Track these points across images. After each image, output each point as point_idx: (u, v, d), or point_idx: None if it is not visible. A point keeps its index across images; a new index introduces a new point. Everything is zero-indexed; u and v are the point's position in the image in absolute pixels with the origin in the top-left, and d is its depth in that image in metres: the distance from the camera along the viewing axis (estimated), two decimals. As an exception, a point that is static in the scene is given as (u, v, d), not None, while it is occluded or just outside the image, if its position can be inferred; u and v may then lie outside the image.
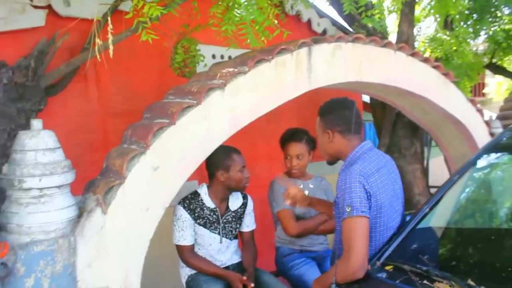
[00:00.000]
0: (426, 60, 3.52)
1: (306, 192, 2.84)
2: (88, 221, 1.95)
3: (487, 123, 4.24)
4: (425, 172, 5.16)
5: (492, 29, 5.40)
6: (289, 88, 2.62)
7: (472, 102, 4.04)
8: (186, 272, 2.51)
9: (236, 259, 2.63)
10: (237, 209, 2.62)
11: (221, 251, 2.56)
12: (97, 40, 2.23)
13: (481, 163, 1.95)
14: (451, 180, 1.90)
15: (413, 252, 1.76)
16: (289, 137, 2.90)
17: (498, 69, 7.39)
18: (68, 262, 1.89)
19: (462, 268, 1.54)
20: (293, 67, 2.62)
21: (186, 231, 2.43)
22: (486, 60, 7.13)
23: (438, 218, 1.85)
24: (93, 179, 2.18)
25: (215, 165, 2.50)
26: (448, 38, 4.44)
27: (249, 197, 2.71)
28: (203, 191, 2.53)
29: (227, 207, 2.58)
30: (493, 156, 1.97)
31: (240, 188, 2.54)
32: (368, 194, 1.77)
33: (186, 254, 2.45)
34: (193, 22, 3.00)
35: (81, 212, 2.01)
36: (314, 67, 2.73)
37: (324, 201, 2.64)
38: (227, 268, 2.56)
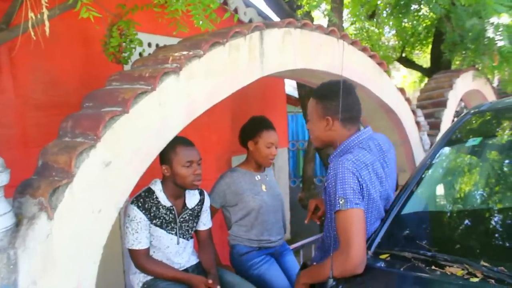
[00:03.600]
0: (364, 49, 3.57)
1: (264, 187, 2.69)
2: (31, 230, 1.62)
3: (413, 112, 4.43)
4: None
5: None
6: (243, 74, 2.46)
7: (401, 91, 4.19)
8: (140, 278, 2.24)
9: (194, 260, 2.41)
10: (195, 207, 2.40)
11: (178, 253, 2.32)
12: (31, 14, 1.87)
13: (450, 145, 1.96)
14: (424, 164, 1.89)
15: (405, 238, 1.70)
16: (265, 124, 2.69)
17: (408, 63, 7.84)
18: (8, 281, 1.56)
19: (467, 250, 1.51)
20: (246, 52, 2.47)
21: (141, 233, 2.17)
22: (396, 55, 7.54)
23: (419, 203, 1.83)
24: (27, 179, 1.84)
25: (160, 158, 2.25)
26: (376, 29, 4.57)
27: (205, 193, 2.50)
28: (158, 188, 2.27)
29: (184, 204, 2.34)
30: (462, 137, 2.00)
31: (187, 186, 2.26)
32: (361, 186, 1.67)
33: (142, 259, 2.18)
34: (129, 2, 2.71)
35: (19, 220, 1.68)
36: (266, 53, 2.60)
37: None
38: (186, 271, 2.33)
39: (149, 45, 3.96)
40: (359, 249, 1.51)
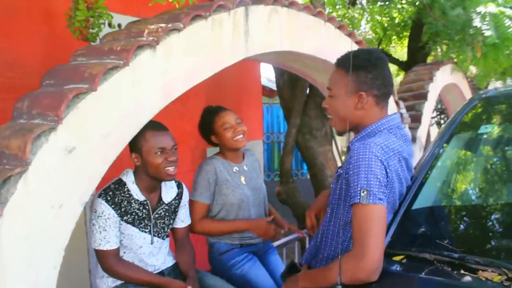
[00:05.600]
0: (350, 35, 3.37)
1: (243, 179, 2.45)
2: (-26, 229, 1.33)
3: (397, 103, 4.29)
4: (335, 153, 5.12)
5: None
6: (226, 53, 2.21)
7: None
8: (108, 283, 1.96)
9: (170, 261, 2.14)
10: (172, 201, 2.12)
11: (153, 254, 2.05)
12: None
13: (459, 133, 1.78)
14: (433, 154, 1.69)
15: (422, 237, 1.50)
16: (214, 111, 2.46)
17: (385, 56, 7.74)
18: None
19: (503, 251, 1.32)
20: (230, 29, 2.22)
21: (109, 231, 1.89)
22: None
23: (432, 196, 1.63)
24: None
25: (130, 146, 1.95)
26: (358, 16, 4.40)
27: (184, 186, 2.23)
28: (130, 179, 1.98)
29: (160, 198, 2.07)
30: (471, 124, 1.82)
31: (161, 176, 1.96)
32: (388, 177, 1.41)
33: (111, 260, 1.90)
34: (97, -29, 2.40)
35: (-40, 216, 1.38)
36: (251, 31, 2.35)
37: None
38: (161, 274, 2.06)
39: (119, 26, 3.64)
40: (377, 253, 1.28)
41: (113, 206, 1.89)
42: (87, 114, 1.60)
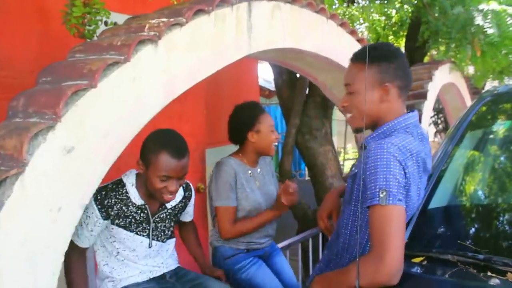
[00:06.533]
0: (352, 33, 3.31)
1: (257, 184, 2.35)
2: (-33, 234, 1.25)
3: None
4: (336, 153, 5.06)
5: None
6: (229, 49, 2.14)
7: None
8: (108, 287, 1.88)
9: (172, 264, 2.06)
10: (176, 205, 2.02)
11: (149, 257, 1.95)
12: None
13: (473, 129, 1.72)
14: (446, 151, 1.63)
15: (441, 238, 1.43)
16: (259, 108, 2.36)
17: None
18: None
19: None
20: (233, 24, 2.15)
21: (84, 229, 1.79)
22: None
23: (449, 195, 1.56)
24: (-34, 170, 1.45)
25: (141, 150, 1.86)
26: (358, 14, 4.35)
27: (192, 187, 2.12)
28: (130, 181, 1.89)
29: (161, 203, 1.96)
30: (485, 120, 1.76)
31: (156, 197, 1.87)
32: (406, 178, 1.35)
33: (72, 257, 1.78)
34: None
35: (-48, 221, 1.30)
36: (254, 27, 2.28)
37: None
38: (162, 277, 1.96)
39: (115, 25, 3.55)
40: (397, 255, 1.21)
41: (99, 206, 1.79)
42: (86, 112, 1.52)
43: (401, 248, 1.22)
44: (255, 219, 2.24)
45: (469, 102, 6.88)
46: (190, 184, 2.12)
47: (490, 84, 8.25)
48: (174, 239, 2.09)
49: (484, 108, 1.79)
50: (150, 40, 1.73)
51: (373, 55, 1.47)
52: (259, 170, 2.40)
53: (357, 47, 3.37)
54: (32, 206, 1.39)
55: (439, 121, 8.91)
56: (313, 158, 4.54)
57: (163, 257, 2.02)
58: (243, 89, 5.78)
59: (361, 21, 6.62)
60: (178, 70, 1.86)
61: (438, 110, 8.62)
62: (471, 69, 7.00)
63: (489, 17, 3.73)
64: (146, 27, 1.80)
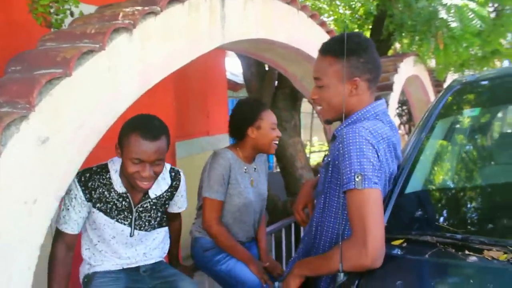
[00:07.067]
0: (322, 24, 3.34)
1: (251, 181, 2.29)
2: None
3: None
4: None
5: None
6: (203, 39, 2.13)
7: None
8: (85, 270, 1.83)
9: (154, 257, 1.99)
10: (161, 194, 1.96)
11: (130, 245, 1.91)
12: None
13: (444, 117, 1.78)
14: (419, 138, 1.68)
15: (419, 220, 1.47)
16: (262, 104, 2.31)
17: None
18: None
19: (506, 230, 1.30)
20: (207, 14, 2.13)
21: (71, 212, 1.73)
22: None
23: (424, 179, 1.61)
24: None
25: (119, 136, 1.79)
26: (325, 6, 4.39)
27: (182, 175, 2.03)
28: (114, 168, 1.83)
29: (145, 192, 1.90)
30: (455, 108, 1.82)
31: (132, 185, 1.79)
32: (380, 161, 1.35)
33: (59, 246, 1.73)
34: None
35: None
36: (227, 17, 2.28)
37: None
38: (136, 269, 1.92)
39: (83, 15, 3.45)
40: (378, 238, 1.23)
41: (83, 188, 1.74)
42: (61, 102, 1.48)
43: (381, 231, 1.25)
44: (236, 247, 2.21)
45: (432, 94, 7.10)
46: (180, 173, 2.04)
47: (451, 77, 8.52)
48: (164, 228, 2.03)
49: (454, 96, 1.85)
50: (125, 28, 1.69)
51: (342, 48, 1.44)
52: (254, 167, 2.35)
53: (327, 38, 3.42)
54: (6, 198, 1.35)
55: (403, 113, 9.14)
56: (282, 150, 4.56)
57: (148, 246, 1.96)
58: (211, 82, 5.75)
59: (331, 13, 6.67)
60: (153, 59, 1.84)
61: (402, 102, 8.84)
62: (433, 62, 7.22)
63: (452, 11, 3.85)
64: (120, 15, 1.76)
